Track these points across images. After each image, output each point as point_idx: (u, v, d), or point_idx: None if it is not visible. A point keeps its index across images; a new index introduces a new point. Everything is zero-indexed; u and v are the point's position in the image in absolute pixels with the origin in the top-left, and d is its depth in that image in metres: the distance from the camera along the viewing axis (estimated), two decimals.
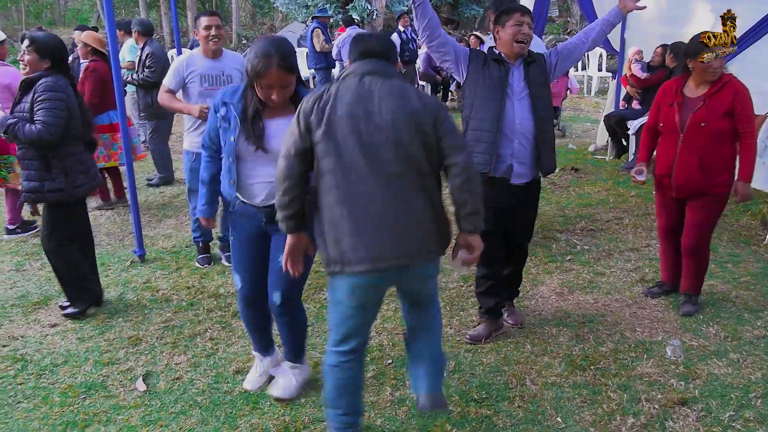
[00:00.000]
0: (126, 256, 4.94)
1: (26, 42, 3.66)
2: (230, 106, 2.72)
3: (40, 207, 4.29)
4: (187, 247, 5.09)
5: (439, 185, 2.48)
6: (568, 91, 9.48)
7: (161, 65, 6.41)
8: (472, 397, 3.05)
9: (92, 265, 4.07)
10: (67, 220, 3.83)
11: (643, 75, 7.05)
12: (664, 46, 6.78)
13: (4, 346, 3.64)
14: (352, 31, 10.07)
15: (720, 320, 3.77)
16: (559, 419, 2.89)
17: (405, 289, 2.61)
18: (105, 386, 3.20)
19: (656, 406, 2.95)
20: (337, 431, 2.55)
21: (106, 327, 3.84)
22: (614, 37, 7.81)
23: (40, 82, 3.58)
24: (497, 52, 3.36)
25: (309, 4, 16.71)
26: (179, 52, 7.89)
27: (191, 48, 13.04)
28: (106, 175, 6.30)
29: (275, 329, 3.11)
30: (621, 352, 3.43)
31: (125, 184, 5.76)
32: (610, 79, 11.09)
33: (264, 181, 2.75)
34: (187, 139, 4.53)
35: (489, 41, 11.88)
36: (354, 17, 11.77)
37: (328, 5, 15.83)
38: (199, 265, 4.71)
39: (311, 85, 13.87)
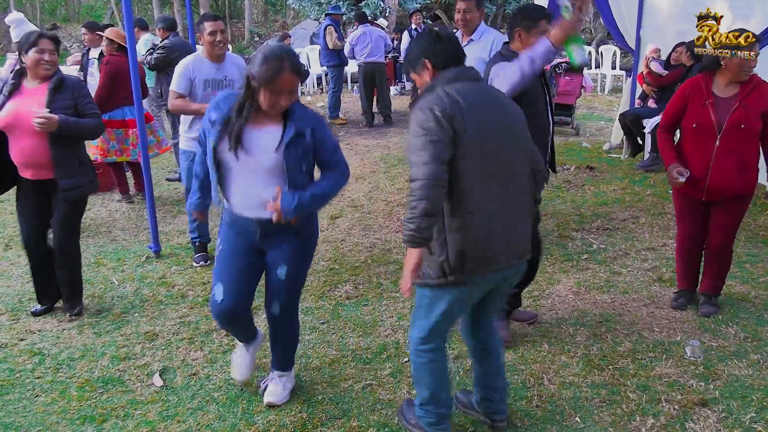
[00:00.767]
0: (141, 251, 4.95)
1: (50, 43, 3.60)
2: (222, 110, 2.61)
3: None
4: None
5: None
6: (582, 90, 9.42)
7: (168, 55, 6.35)
8: None
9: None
10: (82, 214, 3.93)
11: (663, 72, 6.98)
12: (684, 44, 6.71)
13: (22, 339, 3.66)
14: (364, 29, 10.03)
15: (739, 321, 3.72)
16: (577, 419, 2.86)
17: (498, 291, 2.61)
18: (122, 381, 3.21)
19: (676, 407, 2.92)
20: (432, 426, 2.62)
21: (123, 322, 3.85)
22: (629, 35, 7.75)
23: (73, 80, 3.73)
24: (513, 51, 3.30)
25: (322, 1, 16.70)
26: (194, 49, 7.93)
27: None
28: (128, 169, 6.36)
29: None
30: (639, 352, 3.40)
31: None
32: (624, 77, 11.00)
33: (252, 193, 2.65)
34: (183, 138, 4.52)
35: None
36: (367, 14, 11.73)
37: (341, 2, 15.80)
38: (195, 264, 4.70)
39: (323, 82, 13.87)
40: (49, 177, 3.62)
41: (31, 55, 3.54)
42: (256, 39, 21.23)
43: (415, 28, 11.34)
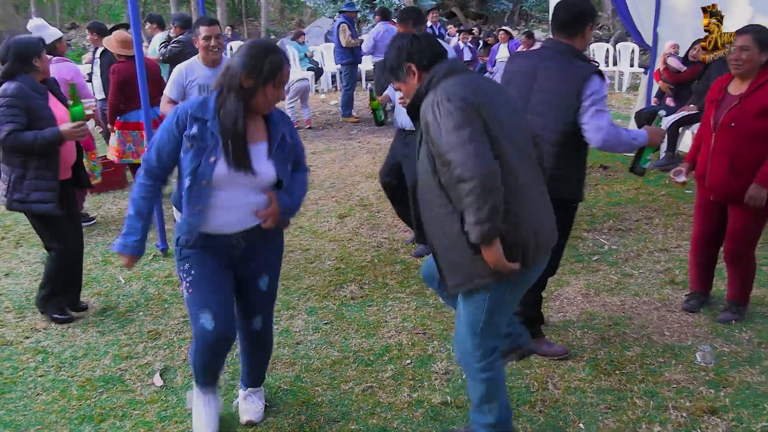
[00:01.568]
0: (149, 249, 4.92)
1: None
2: (205, 122, 2.36)
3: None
4: None
5: None
6: None
7: (183, 49, 6.34)
8: None
9: None
10: None
11: (682, 68, 6.85)
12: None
13: (27, 337, 3.67)
14: (386, 26, 9.95)
15: (754, 326, 3.62)
16: (581, 425, 2.79)
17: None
18: (122, 380, 3.20)
19: (684, 415, 2.84)
20: None
21: (127, 320, 3.84)
22: (646, 32, 7.61)
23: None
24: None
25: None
26: None
27: None
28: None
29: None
30: (648, 356, 3.32)
31: None
32: (642, 74, 10.84)
33: (243, 204, 2.46)
34: None
35: (518, 37, 11.73)
36: (390, 11, 11.66)
37: (356, 0, 15.76)
38: None
39: (337, 80, 13.82)
40: (70, 176, 3.82)
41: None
42: (272, 37, 21.26)
43: (431, 26, 11.25)
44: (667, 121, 6.63)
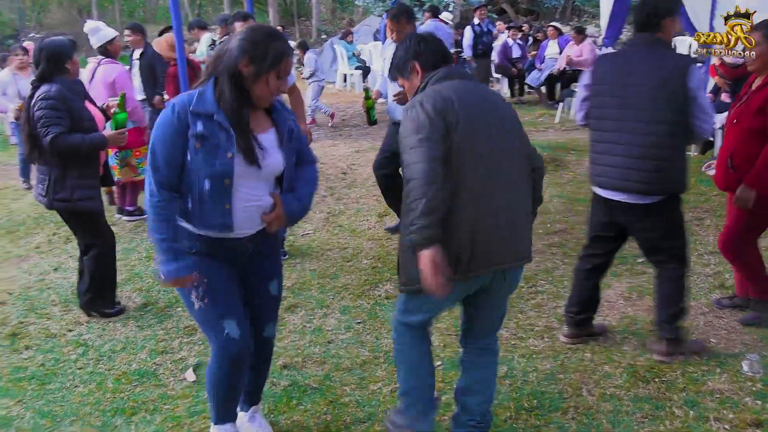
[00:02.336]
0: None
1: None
2: (211, 117, 2.15)
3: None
4: None
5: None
6: None
7: None
8: (522, 405, 2.89)
9: None
10: None
11: (740, 62, 6.55)
12: None
13: (70, 330, 3.78)
14: (434, 23, 9.88)
15: None
16: None
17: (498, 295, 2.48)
18: (156, 375, 3.26)
19: (726, 427, 2.70)
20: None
21: (165, 316, 3.92)
22: (701, 25, 7.31)
23: None
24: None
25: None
26: None
27: None
28: None
29: None
30: (691, 364, 3.17)
31: None
32: None
33: (255, 205, 2.30)
34: None
35: (568, 33, 11.47)
36: (448, 17, 11.61)
37: None
38: None
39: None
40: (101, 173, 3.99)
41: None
42: (323, 36, 21.44)
43: (478, 24, 11.12)
44: (720, 119, 6.35)
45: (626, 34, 13.84)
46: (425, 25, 9.87)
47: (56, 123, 3.47)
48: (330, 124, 9.83)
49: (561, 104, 9.87)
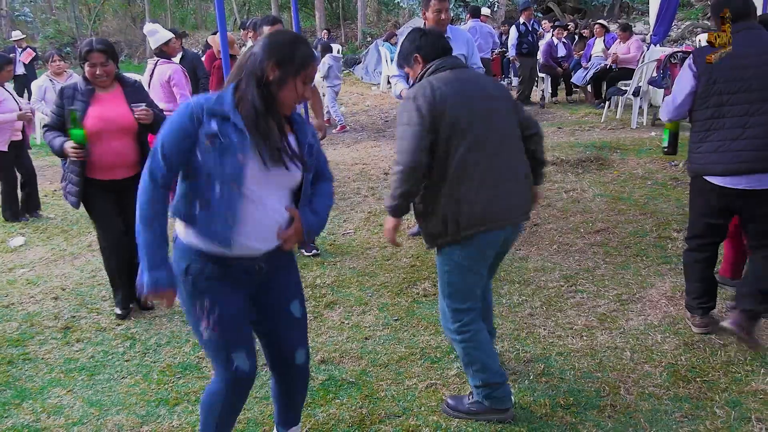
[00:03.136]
0: None
1: (100, 56, 3.67)
2: (226, 118, 2.05)
3: None
4: None
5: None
6: None
7: None
8: (558, 402, 2.87)
9: None
10: None
11: None
12: None
13: (118, 325, 3.93)
14: (474, 23, 9.88)
15: None
16: None
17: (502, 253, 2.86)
18: (199, 368, 3.36)
19: None
20: (488, 397, 2.72)
21: None
22: None
23: (132, 81, 3.97)
24: None
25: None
26: None
27: (315, 47, 13.48)
28: None
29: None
30: (735, 364, 3.10)
31: None
32: None
33: (270, 219, 2.16)
34: None
35: (614, 30, 11.24)
36: (486, 11, 11.54)
37: None
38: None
39: None
40: (131, 174, 3.77)
41: (87, 68, 3.71)
42: (369, 39, 21.57)
43: (524, 23, 11.02)
44: None
45: (675, 30, 13.51)
46: (467, 25, 9.87)
47: (48, 117, 3.89)
48: (334, 131, 9.84)
49: (607, 103, 9.70)
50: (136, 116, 3.75)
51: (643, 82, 8.86)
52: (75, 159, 3.67)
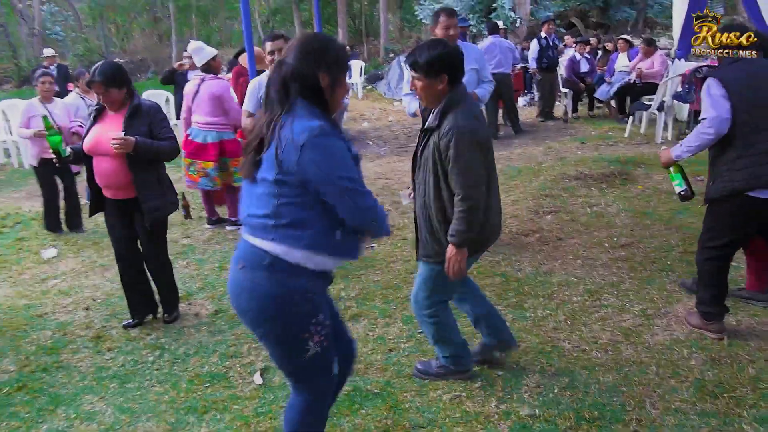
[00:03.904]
0: None
1: (101, 82, 3.70)
2: (342, 133, 2.11)
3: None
4: None
5: None
6: None
7: None
8: (583, 416, 2.88)
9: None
10: (166, 231, 4.13)
11: None
12: None
13: (148, 335, 4.01)
14: (494, 39, 9.96)
15: None
16: None
17: None
18: (227, 377, 3.42)
19: None
20: (454, 363, 3.18)
21: (236, 323, 4.09)
22: None
23: (148, 105, 3.86)
24: None
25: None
26: None
27: None
28: None
29: None
30: (763, 380, 3.07)
31: None
32: None
33: None
34: None
35: (638, 45, 11.21)
36: (499, 24, 11.61)
37: (471, 15, 15.79)
38: None
39: None
40: (129, 197, 3.79)
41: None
42: (391, 55, 21.74)
43: (545, 37, 11.06)
44: None
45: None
46: (485, 41, 9.94)
47: None
48: None
49: (631, 118, 9.67)
50: (111, 143, 3.60)
51: (668, 96, 8.82)
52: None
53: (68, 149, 3.82)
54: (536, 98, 12.60)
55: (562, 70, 11.47)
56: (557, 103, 11.86)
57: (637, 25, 17.41)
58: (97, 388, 3.40)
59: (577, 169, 7.18)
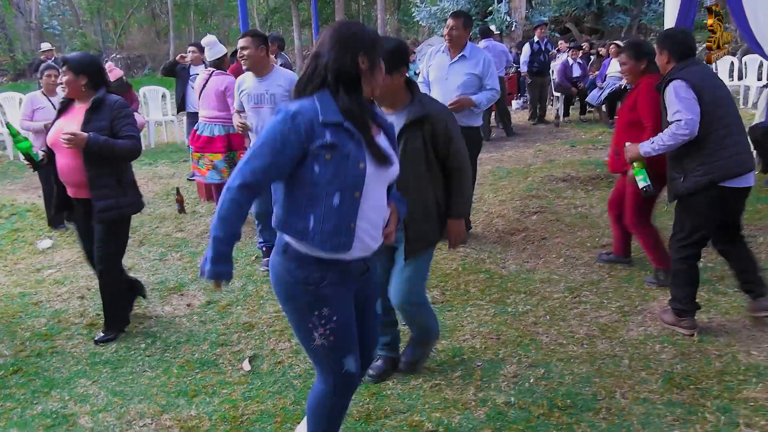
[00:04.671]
0: (252, 251, 5.37)
1: (61, 63, 3.68)
2: (340, 125, 2.04)
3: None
4: None
5: None
6: None
7: None
8: (556, 404, 3.01)
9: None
10: (126, 236, 3.87)
11: None
12: None
13: (140, 323, 4.13)
14: (487, 43, 10.12)
15: None
16: None
17: None
18: (216, 364, 3.55)
19: None
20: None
21: (226, 313, 4.22)
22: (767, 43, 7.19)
23: (112, 100, 3.64)
24: None
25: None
26: (292, 68, 8.50)
27: None
28: None
29: None
30: (728, 374, 3.22)
31: None
32: (763, 88, 10.17)
33: (379, 217, 2.20)
34: None
35: None
36: (492, 28, 11.77)
37: None
38: (262, 269, 4.95)
39: None
40: (87, 196, 3.62)
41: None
42: None
43: (537, 41, 11.21)
44: None
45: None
46: (480, 44, 10.09)
47: None
48: None
49: None
50: (61, 138, 3.46)
51: None
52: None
53: (40, 153, 3.71)
54: (528, 101, 12.76)
55: (554, 75, 11.63)
56: (549, 106, 12.02)
57: (631, 31, 17.60)
58: (90, 372, 3.52)
59: (565, 172, 7.33)
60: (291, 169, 2.05)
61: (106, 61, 13.95)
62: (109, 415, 3.09)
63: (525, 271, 4.70)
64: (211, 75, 5.83)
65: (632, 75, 4.21)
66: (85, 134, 3.47)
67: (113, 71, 10.58)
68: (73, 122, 3.58)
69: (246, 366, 3.49)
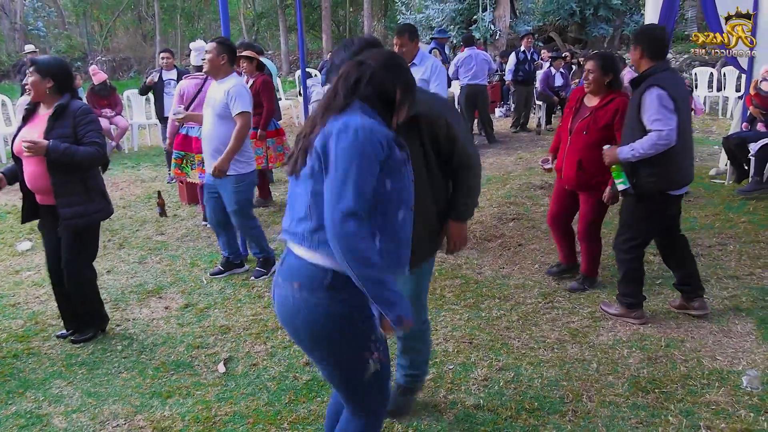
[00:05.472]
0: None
1: (29, 65, 3.63)
2: (392, 141, 1.98)
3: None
4: None
5: None
6: (693, 112, 9.00)
7: None
8: (524, 406, 3.08)
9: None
10: (95, 242, 3.82)
11: None
12: None
13: (118, 325, 4.15)
14: (470, 51, 10.24)
15: None
16: None
17: None
18: (191, 366, 3.58)
19: None
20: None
21: (204, 316, 4.25)
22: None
23: (76, 106, 3.58)
24: None
25: (433, 25, 17.10)
26: (303, 73, 8.52)
27: (320, 70, 13.82)
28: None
29: None
30: (692, 378, 3.30)
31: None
32: (738, 99, 10.37)
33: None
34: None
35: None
36: (475, 36, 11.92)
37: (452, 26, 16.09)
38: (254, 278, 4.89)
39: None
40: (51, 203, 3.58)
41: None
42: None
43: (523, 51, 11.35)
44: (755, 146, 6.41)
45: (673, 63, 13.76)
46: (464, 52, 10.21)
47: None
48: None
49: None
50: (22, 146, 3.43)
51: None
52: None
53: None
54: (512, 109, 12.90)
55: (537, 84, 11.77)
56: (531, 115, 12.15)
57: (614, 42, 17.85)
58: (66, 373, 3.54)
59: (543, 179, 7.43)
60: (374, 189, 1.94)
61: (91, 64, 14.02)
62: (82, 416, 3.11)
63: (500, 276, 4.78)
64: (206, 79, 5.70)
65: (596, 85, 4.16)
66: (45, 142, 3.42)
67: (97, 74, 10.57)
68: (35, 129, 3.54)
69: (221, 368, 3.53)
